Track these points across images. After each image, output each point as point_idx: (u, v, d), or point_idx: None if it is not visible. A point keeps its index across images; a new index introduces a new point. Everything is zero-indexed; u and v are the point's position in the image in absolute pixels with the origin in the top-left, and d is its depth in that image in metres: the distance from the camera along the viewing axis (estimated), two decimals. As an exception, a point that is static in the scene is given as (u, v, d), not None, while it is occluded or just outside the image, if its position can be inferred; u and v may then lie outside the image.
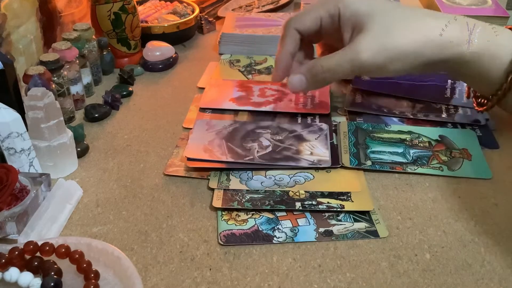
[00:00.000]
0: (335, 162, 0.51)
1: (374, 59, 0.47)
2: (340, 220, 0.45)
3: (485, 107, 0.54)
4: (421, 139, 0.55)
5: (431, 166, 0.52)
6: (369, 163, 0.52)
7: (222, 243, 0.43)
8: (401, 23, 0.48)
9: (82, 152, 0.54)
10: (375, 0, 0.50)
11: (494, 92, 0.50)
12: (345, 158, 0.52)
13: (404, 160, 0.52)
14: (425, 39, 0.48)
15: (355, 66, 0.48)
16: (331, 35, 0.52)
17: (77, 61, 0.62)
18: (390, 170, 0.51)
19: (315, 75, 0.50)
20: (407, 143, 0.55)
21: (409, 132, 0.56)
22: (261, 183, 0.49)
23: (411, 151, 0.54)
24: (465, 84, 0.64)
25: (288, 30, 0.52)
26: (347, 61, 0.48)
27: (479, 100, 0.57)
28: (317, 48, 0.57)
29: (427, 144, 0.55)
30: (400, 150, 0.54)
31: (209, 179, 0.50)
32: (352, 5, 0.49)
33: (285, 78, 0.53)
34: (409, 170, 0.51)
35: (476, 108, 0.58)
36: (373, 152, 0.53)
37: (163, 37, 0.77)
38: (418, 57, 0.48)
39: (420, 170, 0.51)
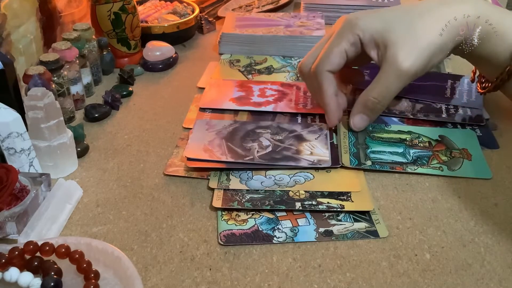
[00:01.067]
0: (335, 162, 0.51)
1: (415, 63, 0.49)
2: (340, 220, 0.45)
3: (488, 89, 0.55)
4: (421, 139, 0.55)
5: (431, 166, 0.52)
6: (369, 163, 0.52)
7: (222, 243, 0.43)
8: (421, 21, 0.50)
9: (82, 152, 0.54)
10: (385, 14, 0.52)
11: (499, 74, 0.51)
12: (345, 158, 0.52)
13: (404, 160, 0.52)
14: (447, 24, 0.49)
15: (403, 79, 0.50)
16: (356, 59, 0.54)
17: (77, 61, 0.62)
18: (390, 170, 0.51)
19: (373, 108, 0.53)
20: (407, 143, 0.55)
21: (409, 132, 0.56)
22: (261, 183, 0.49)
23: (411, 151, 0.53)
24: (468, 78, 0.65)
25: (322, 75, 0.53)
26: (394, 78, 0.50)
27: (483, 84, 0.58)
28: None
29: (427, 144, 0.55)
30: (400, 150, 0.54)
31: (209, 179, 0.50)
32: (369, 28, 0.51)
33: (341, 116, 0.55)
34: (409, 170, 0.51)
35: (480, 90, 0.58)
36: (373, 152, 0.53)
37: (163, 37, 0.77)
38: (448, 44, 0.50)
39: (420, 170, 0.51)
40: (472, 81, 0.63)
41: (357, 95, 0.63)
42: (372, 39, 0.51)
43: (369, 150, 0.54)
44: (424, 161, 0.52)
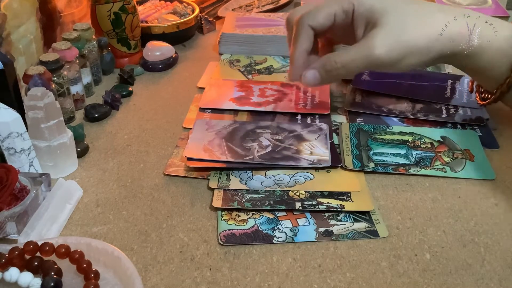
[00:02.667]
0: (335, 161, 0.51)
1: (388, 54, 0.48)
2: (340, 220, 0.45)
3: (488, 101, 0.55)
4: (423, 140, 0.55)
5: (434, 167, 0.51)
6: (372, 165, 0.51)
7: (222, 243, 0.43)
8: (414, 18, 0.49)
9: (82, 152, 0.54)
10: None
11: (498, 86, 0.51)
12: (348, 160, 0.52)
13: (407, 162, 0.52)
14: (437, 34, 0.48)
15: (369, 62, 0.49)
16: (342, 30, 0.52)
17: (77, 61, 0.62)
18: (393, 172, 0.51)
19: (329, 71, 0.50)
20: (409, 144, 0.55)
21: (411, 133, 0.56)
22: (261, 183, 0.49)
23: (414, 153, 0.53)
24: (469, 79, 0.65)
25: (302, 27, 0.51)
26: (362, 57, 0.49)
27: (483, 95, 0.58)
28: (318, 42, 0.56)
29: (429, 145, 0.54)
30: (402, 151, 0.54)
31: (209, 179, 0.50)
32: (367, 2, 0.50)
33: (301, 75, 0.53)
34: (412, 172, 0.51)
35: (479, 102, 0.58)
36: (375, 154, 0.53)
37: (163, 37, 0.77)
38: (430, 52, 0.49)
39: (423, 171, 0.51)
40: (471, 91, 0.62)
41: (357, 95, 0.64)
42: (364, 16, 0.50)
43: (372, 152, 0.53)
44: (427, 163, 0.52)
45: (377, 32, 0.48)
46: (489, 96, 0.55)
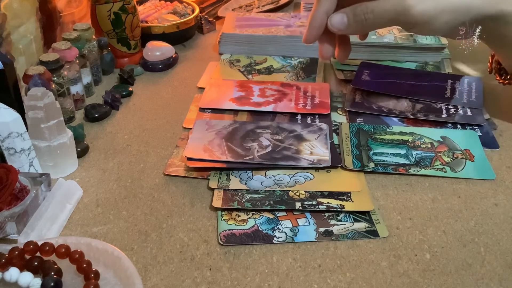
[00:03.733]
0: (335, 161, 0.51)
1: (422, 7, 0.46)
2: (340, 220, 0.45)
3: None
4: (423, 140, 0.55)
5: (434, 167, 0.51)
6: (372, 165, 0.51)
7: (222, 243, 0.43)
8: None
9: (82, 152, 0.54)
10: None
11: None
12: (348, 161, 0.52)
13: (407, 162, 0.52)
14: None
15: (400, 12, 0.47)
16: None
17: (77, 61, 0.62)
18: (393, 172, 0.51)
19: (357, 15, 0.48)
20: (409, 144, 0.55)
21: (411, 133, 0.56)
22: (261, 183, 0.49)
23: (414, 153, 0.53)
24: (469, 79, 0.64)
25: None
26: (393, 4, 0.47)
27: (503, 76, 0.57)
28: None
29: (429, 145, 0.54)
30: (402, 151, 0.54)
31: (209, 179, 0.50)
32: None
33: (316, 40, 0.51)
34: (412, 172, 0.51)
35: (501, 81, 0.57)
36: (375, 154, 0.53)
37: (163, 37, 0.77)
38: (468, 11, 0.47)
39: (423, 171, 0.51)
40: (490, 71, 0.61)
41: (357, 95, 0.64)
42: None
43: (372, 152, 0.53)
44: (427, 163, 0.52)
45: None
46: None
